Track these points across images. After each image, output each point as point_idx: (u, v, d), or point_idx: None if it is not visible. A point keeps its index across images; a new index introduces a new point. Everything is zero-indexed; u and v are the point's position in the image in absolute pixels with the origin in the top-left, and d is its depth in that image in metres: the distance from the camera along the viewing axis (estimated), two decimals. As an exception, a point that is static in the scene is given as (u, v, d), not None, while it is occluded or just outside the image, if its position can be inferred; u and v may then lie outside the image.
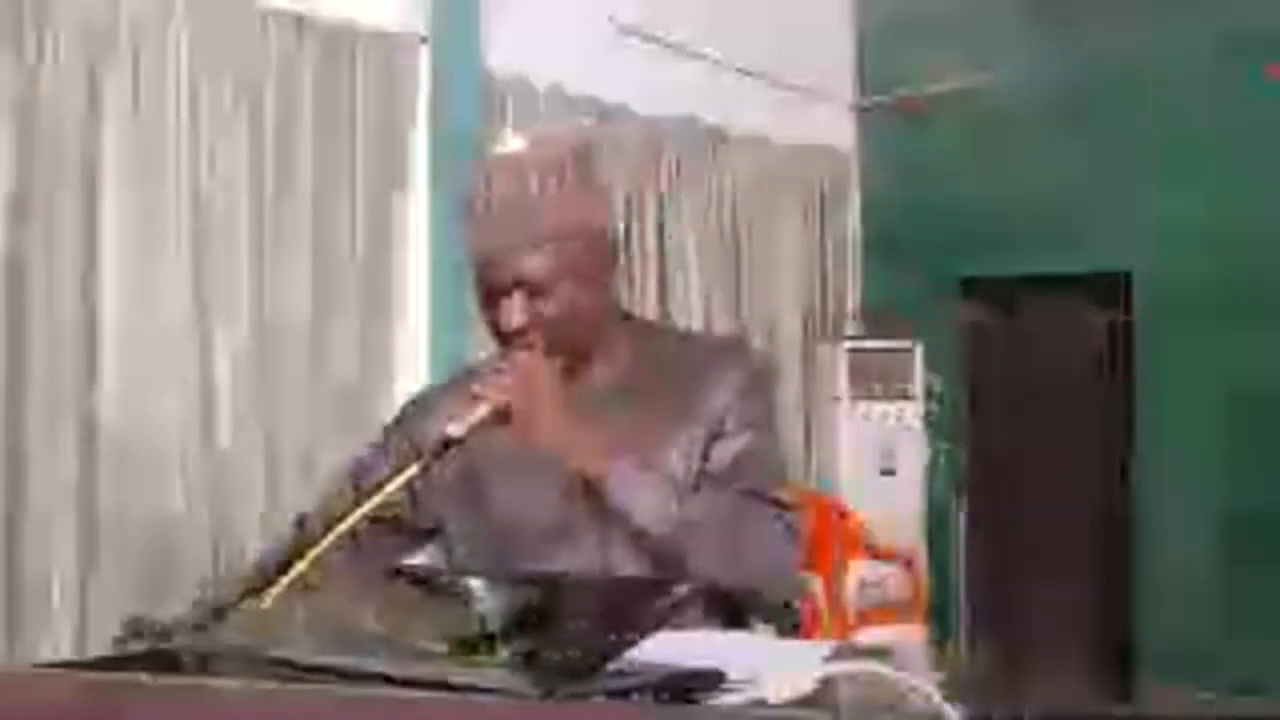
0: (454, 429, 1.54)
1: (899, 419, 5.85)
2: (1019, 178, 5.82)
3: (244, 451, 3.97)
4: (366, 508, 1.39)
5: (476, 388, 1.60)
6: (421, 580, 1.26)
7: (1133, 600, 5.71)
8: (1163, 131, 5.52)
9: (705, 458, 1.70)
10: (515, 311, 1.67)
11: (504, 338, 1.71)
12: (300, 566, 1.27)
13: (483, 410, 1.57)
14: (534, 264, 1.66)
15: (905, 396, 5.88)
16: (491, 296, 1.70)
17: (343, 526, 1.35)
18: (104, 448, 3.67)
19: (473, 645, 1.12)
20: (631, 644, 1.08)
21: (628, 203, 5.24)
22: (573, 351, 1.71)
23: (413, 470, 1.50)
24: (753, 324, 5.82)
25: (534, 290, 1.67)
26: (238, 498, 3.95)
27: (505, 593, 1.21)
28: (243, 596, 1.25)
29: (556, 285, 1.67)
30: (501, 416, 1.58)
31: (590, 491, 1.62)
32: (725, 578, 1.60)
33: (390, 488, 1.47)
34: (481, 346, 1.97)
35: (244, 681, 1.08)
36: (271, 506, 3.98)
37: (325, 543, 1.31)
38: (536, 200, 1.67)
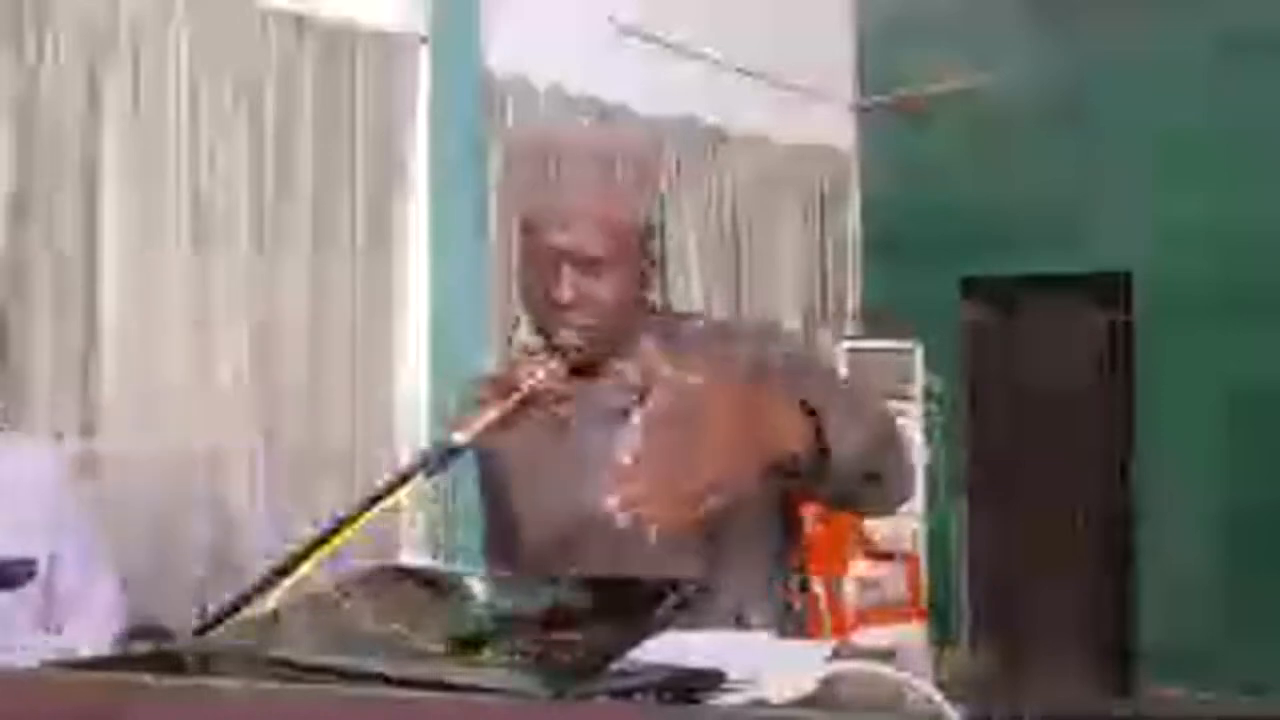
0: (459, 436, 1.54)
1: (899, 419, 5.84)
2: (1019, 178, 5.83)
3: (244, 451, 3.98)
4: (372, 512, 1.39)
5: (484, 392, 1.60)
6: (427, 580, 1.26)
7: (1133, 600, 5.71)
8: (1163, 131, 5.52)
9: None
10: (565, 287, 1.62)
11: (550, 320, 1.66)
12: (304, 569, 1.26)
13: (490, 415, 1.56)
14: (594, 236, 1.62)
15: (905, 396, 5.88)
16: (540, 270, 1.65)
17: (348, 531, 1.35)
18: (104, 446, 3.67)
19: (474, 645, 1.12)
20: (634, 644, 1.08)
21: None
22: (604, 346, 1.68)
23: (417, 477, 1.49)
24: (753, 324, 5.82)
25: (586, 267, 1.62)
26: (236, 498, 3.95)
27: (507, 592, 1.22)
28: (247, 598, 1.25)
29: (609, 266, 1.63)
30: (506, 422, 1.57)
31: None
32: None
33: (397, 494, 1.46)
34: (481, 346, 1.98)
35: (245, 682, 1.08)
36: (270, 505, 3.99)
37: (328, 547, 1.31)
38: (598, 180, 1.64)
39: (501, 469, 1.77)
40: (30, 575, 2.08)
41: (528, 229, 1.67)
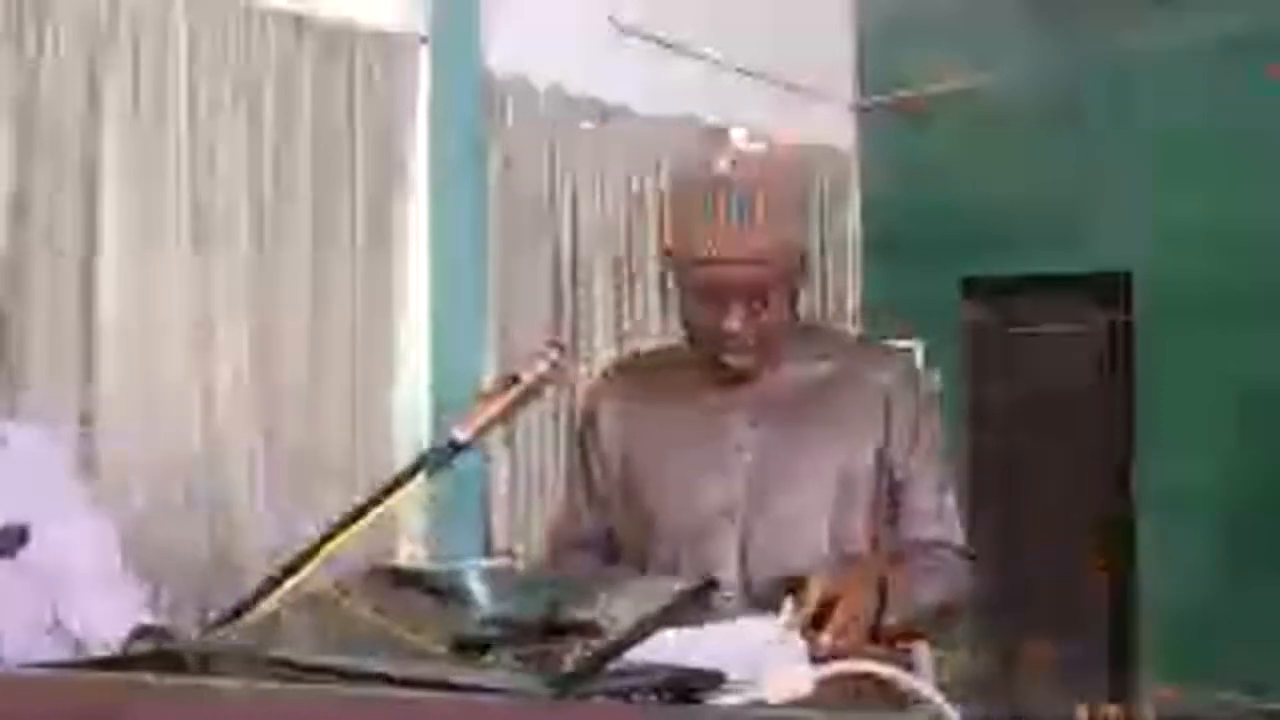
0: (460, 433, 1.55)
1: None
2: (1019, 178, 5.82)
3: (244, 451, 3.98)
4: (374, 513, 1.39)
5: (487, 386, 1.63)
6: (427, 581, 1.26)
7: (1133, 600, 5.71)
8: (1162, 131, 5.52)
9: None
10: (736, 318, 1.76)
11: (718, 346, 1.81)
12: (308, 569, 1.26)
13: (491, 411, 1.57)
14: (768, 270, 1.75)
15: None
16: (708, 302, 1.78)
17: (351, 531, 1.35)
18: (103, 446, 3.67)
19: (475, 645, 1.12)
20: (633, 644, 1.08)
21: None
22: (762, 360, 1.84)
23: (419, 476, 1.50)
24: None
25: (756, 297, 1.75)
26: (236, 499, 3.95)
27: (507, 592, 1.22)
28: (249, 603, 1.25)
29: (774, 290, 1.77)
30: (506, 416, 1.59)
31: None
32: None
33: (397, 494, 1.46)
34: (480, 346, 1.99)
35: (246, 682, 1.08)
36: (270, 507, 3.99)
37: (329, 548, 1.31)
38: (770, 212, 1.74)
39: (634, 446, 1.93)
40: (22, 541, 2.09)
41: (696, 262, 1.76)
